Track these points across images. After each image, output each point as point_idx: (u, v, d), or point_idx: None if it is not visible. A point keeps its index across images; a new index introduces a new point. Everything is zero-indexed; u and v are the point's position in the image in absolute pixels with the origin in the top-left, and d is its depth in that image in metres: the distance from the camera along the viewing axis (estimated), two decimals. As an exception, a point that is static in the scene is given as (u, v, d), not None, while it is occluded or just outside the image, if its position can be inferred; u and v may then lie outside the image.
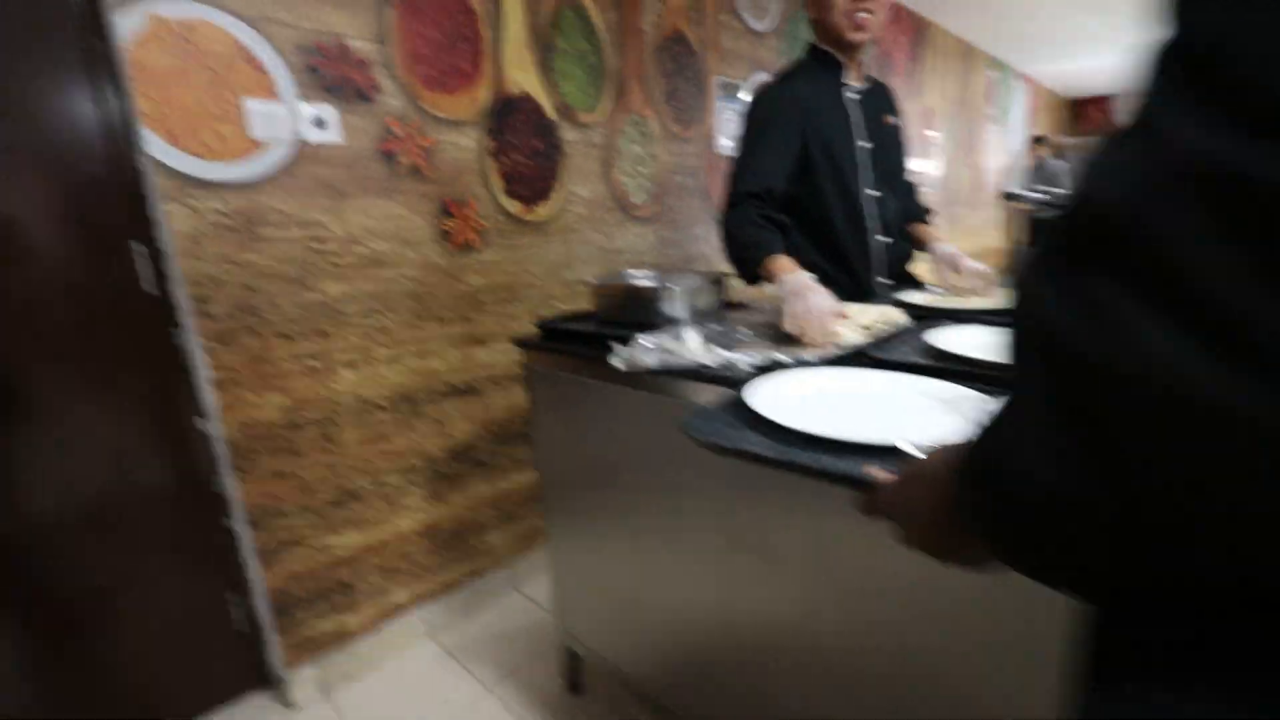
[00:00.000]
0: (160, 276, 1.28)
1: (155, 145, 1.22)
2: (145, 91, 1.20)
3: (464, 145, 1.70)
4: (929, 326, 1.09)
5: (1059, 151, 5.03)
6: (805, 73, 1.38)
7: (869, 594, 0.79)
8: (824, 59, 1.38)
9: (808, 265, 1.32)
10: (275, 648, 1.45)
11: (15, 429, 1.15)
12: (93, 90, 1.19)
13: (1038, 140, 5.04)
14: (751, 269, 1.23)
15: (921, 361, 0.90)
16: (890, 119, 1.46)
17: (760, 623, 0.96)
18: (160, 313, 1.29)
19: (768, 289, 1.20)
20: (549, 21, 1.86)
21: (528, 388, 1.31)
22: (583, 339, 1.22)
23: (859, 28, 1.27)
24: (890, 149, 1.45)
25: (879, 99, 1.45)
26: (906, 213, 1.56)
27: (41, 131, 1.14)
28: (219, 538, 1.39)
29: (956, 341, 0.93)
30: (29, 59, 1.13)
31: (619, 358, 1.02)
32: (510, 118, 1.80)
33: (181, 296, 1.27)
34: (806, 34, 3.03)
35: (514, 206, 1.83)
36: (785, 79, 1.37)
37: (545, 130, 1.90)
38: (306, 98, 1.40)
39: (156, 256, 1.27)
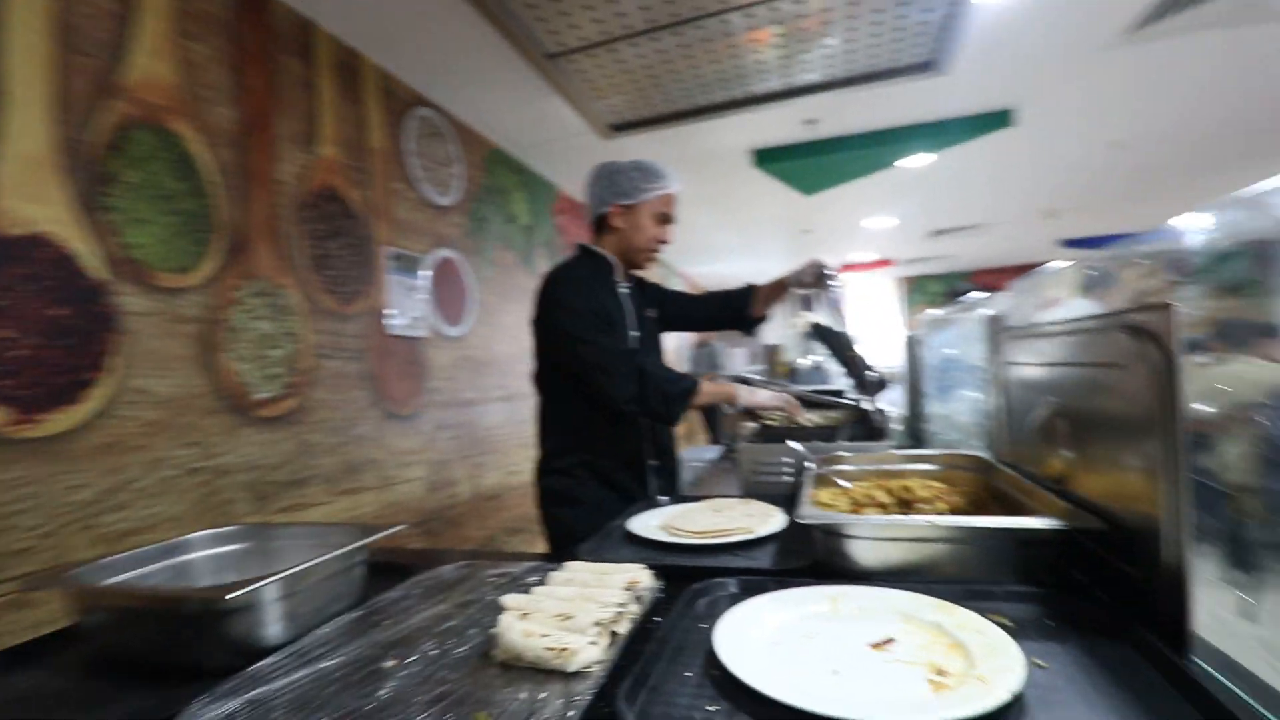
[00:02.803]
0: None
1: None
2: None
3: None
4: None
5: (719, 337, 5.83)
6: (584, 267, 1.44)
7: None
8: (596, 259, 1.45)
9: (589, 439, 1.40)
10: None
11: None
12: None
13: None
14: (684, 398, 1.32)
15: None
16: (650, 312, 1.53)
17: None
18: None
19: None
20: (105, 142, 1.25)
21: None
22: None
23: (652, 259, 1.45)
24: (653, 339, 1.55)
25: (639, 294, 1.53)
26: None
27: None
28: None
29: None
30: None
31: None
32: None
33: None
34: (494, 214, 2.93)
35: (-9, 415, 1.04)
36: (575, 267, 1.44)
37: (80, 295, 1.19)
38: None
39: None
